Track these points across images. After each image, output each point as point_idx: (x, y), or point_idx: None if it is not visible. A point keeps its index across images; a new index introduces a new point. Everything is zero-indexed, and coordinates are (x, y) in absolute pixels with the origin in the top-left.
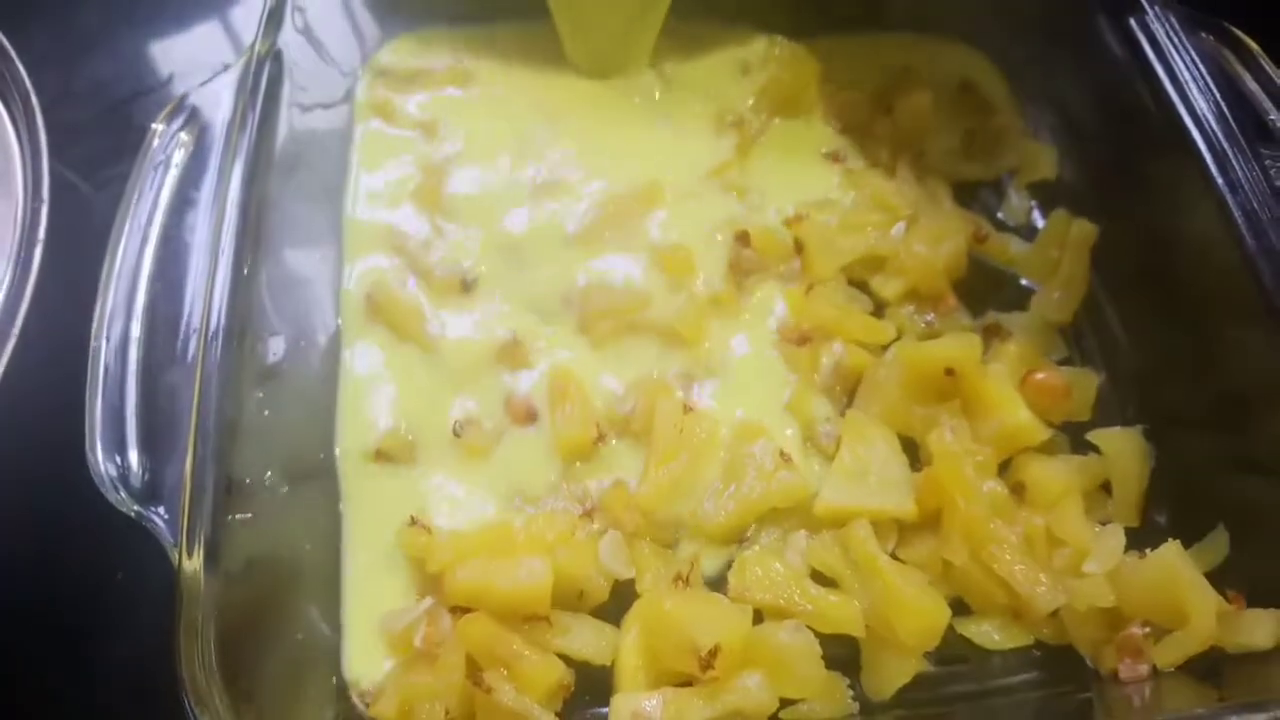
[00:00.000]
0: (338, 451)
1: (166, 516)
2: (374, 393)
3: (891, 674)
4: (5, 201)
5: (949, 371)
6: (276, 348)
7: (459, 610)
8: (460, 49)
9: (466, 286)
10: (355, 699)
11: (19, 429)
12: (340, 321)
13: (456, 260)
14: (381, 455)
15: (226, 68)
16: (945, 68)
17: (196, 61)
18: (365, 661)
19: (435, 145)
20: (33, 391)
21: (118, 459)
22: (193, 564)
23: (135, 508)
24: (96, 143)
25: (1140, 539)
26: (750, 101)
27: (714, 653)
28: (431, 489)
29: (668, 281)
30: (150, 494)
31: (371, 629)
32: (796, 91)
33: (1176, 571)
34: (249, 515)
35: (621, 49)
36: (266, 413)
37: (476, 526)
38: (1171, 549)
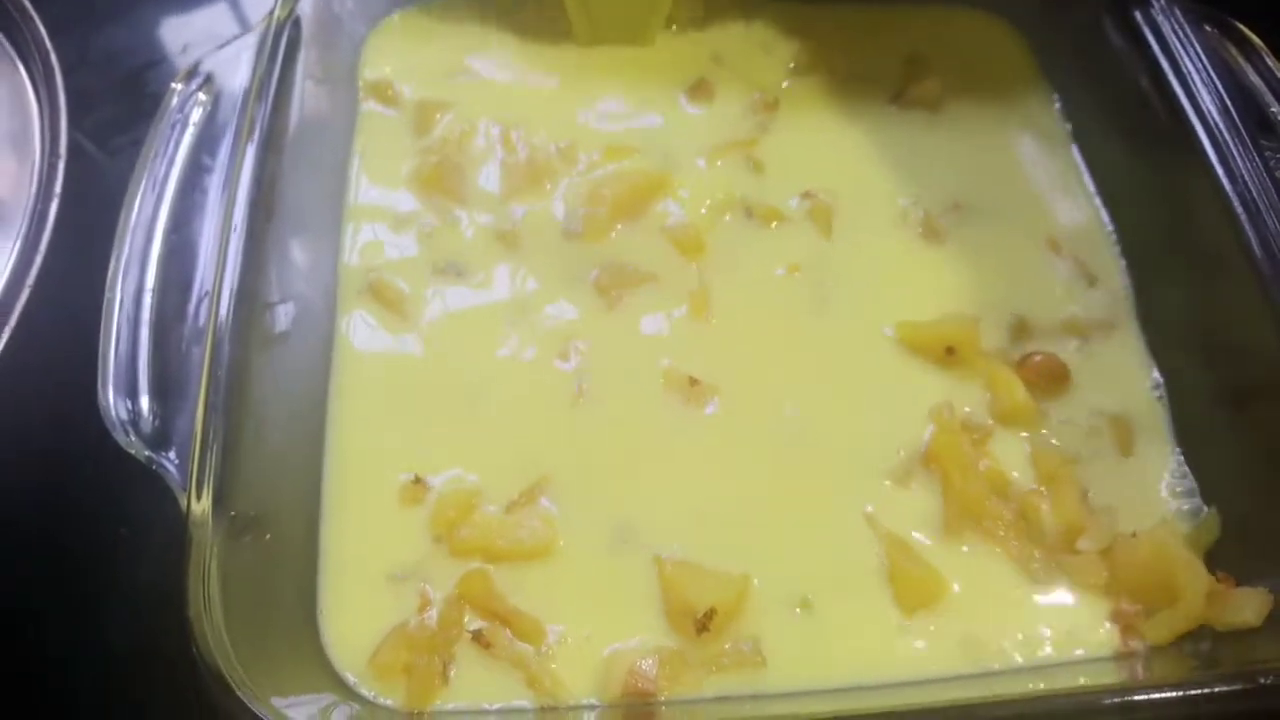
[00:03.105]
0: (333, 413)
1: (176, 462)
2: (368, 363)
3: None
4: (23, 160)
5: (949, 350)
6: (283, 314)
7: (459, 559)
8: (465, 24)
9: (460, 272)
10: (343, 648)
11: (31, 382)
12: (339, 294)
13: (458, 239)
14: (375, 417)
15: (240, 36)
16: (967, 37)
17: (211, 34)
18: (357, 611)
19: (438, 124)
20: (44, 345)
21: (129, 404)
22: (201, 507)
23: (146, 452)
24: (111, 111)
25: None
26: (767, 78)
27: (710, 614)
28: (426, 449)
29: (679, 258)
30: (160, 440)
31: (364, 579)
32: (814, 69)
33: (1169, 550)
34: (254, 467)
35: (633, 27)
36: (271, 376)
37: (474, 485)
38: (1164, 528)
